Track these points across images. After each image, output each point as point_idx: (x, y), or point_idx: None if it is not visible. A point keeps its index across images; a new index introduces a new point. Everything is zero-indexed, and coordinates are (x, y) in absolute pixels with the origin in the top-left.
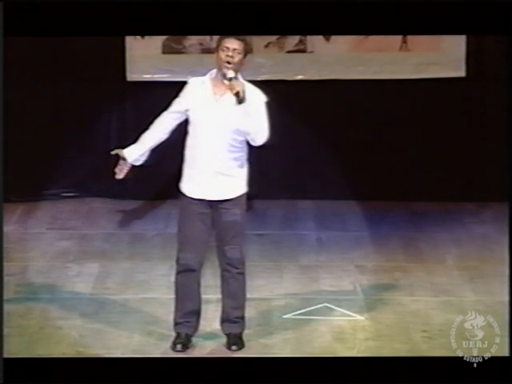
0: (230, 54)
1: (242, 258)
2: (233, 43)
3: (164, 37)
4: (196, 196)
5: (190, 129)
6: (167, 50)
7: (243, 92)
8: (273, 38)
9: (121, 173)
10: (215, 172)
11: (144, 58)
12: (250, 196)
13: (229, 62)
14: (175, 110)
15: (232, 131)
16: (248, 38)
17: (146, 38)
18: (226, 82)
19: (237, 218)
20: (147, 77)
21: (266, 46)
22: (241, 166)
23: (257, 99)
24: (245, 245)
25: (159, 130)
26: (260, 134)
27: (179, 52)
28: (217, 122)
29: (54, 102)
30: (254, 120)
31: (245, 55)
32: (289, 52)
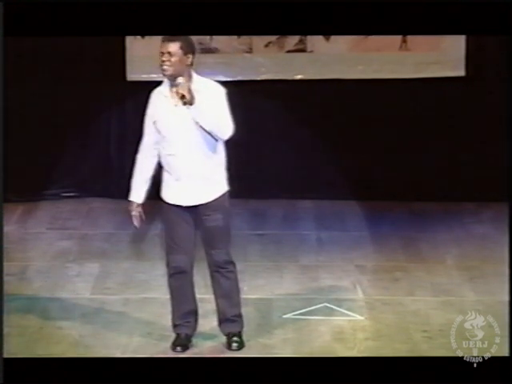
0: (164, 58)
1: (230, 259)
2: (166, 47)
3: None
4: (173, 202)
5: (160, 138)
6: None
7: (189, 94)
8: (273, 38)
9: (141, 219)
10: (189, 177)
11: (144, 58)
12: (250, 196)
13: (163, 68)
14: (149, 128)
15: (197, 133)
16: (191, 37)
17: (146, 37)
18: (173, 88)
19: (219, 223)
20: (147, 77)
21: (266, 45)
22: (216, 167)
23: (213, 94)
24: (231, 245)
25: (149, 155)
26: (222, 128)
27: None
28: (180, 127)
29: (54, 102)
30: (212, 116)
31: (187, 53)
32: (289, 52)
